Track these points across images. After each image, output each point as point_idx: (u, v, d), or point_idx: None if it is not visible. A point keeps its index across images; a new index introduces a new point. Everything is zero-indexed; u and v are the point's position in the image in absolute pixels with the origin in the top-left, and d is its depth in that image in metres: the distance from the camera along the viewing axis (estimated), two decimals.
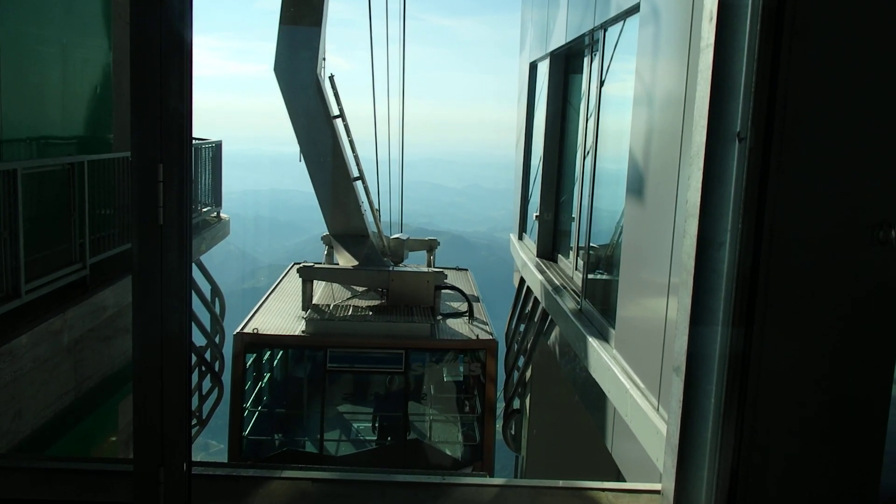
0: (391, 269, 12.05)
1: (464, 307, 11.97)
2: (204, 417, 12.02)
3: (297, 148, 11.84)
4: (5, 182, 6.55)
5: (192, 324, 3.55)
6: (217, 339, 12.60)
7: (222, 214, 13.55)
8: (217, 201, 13.31)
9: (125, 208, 8.98)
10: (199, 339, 11.95)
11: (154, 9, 2.70)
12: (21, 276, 6.64)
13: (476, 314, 11.82)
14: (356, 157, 12.35)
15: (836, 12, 2.79)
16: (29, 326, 6.61)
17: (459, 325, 11.43)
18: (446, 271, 12.52)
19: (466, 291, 12.25)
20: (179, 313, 2.80)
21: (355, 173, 12.26)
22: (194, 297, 7.19)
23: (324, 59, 11.64)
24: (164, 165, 2.71)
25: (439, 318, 11.51)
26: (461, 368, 11.57)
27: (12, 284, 6.61)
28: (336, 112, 11.74)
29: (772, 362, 2.86)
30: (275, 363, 11.78)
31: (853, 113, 2.83)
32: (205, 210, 12.52)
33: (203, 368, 12.06)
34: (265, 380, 11.50)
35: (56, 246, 7.70)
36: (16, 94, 7.96)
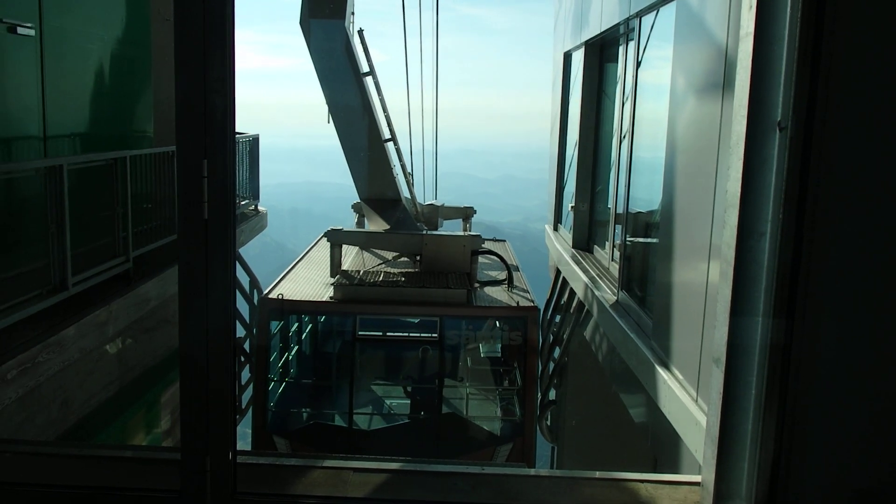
0: (425, 232, 11.36)
1: (502, 276, 11.26)
2: (243, 407, 12.20)
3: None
4: (52, 177, 6.72)
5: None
6: (255, 331, 12.71)
7: (260, 207, 13.73)
8: (255, 194, 13.49)
9: (166, 202, 9.16)
10: (238, 330, 12.05)
11: (197, 5, 2.75)
12: (68, 269, 6.82)
13: (516, 283, 11.10)
14: (388, 118, 11.74)
15: None
16: (76, 318, 6.78)
17: (498, 293, 10.74)
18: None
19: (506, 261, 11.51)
20: (224, 306, 2.86)
21: (387, 134, 11.65)
22: None
23: (352, 13, 11.04)
24: (209, 161, 2.77)
25: (476, 285, 10.82)
26: (500, 338, 10.87)
27: (60, 277, 6.79)
28: (366, 69, 11.09)
29: (813, 354, 2.83)
30: (303, 336, 11.32)
31: None
32: (243, 203, 12.69)
33: (242, 359, 12.22)
34: (293, 350, 11.01)
35: (100, 240, 7.88)
36: (59, 91, 8.15)
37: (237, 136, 12.18)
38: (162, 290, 8.59)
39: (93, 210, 7.85)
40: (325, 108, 11.29)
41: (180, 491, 3.02)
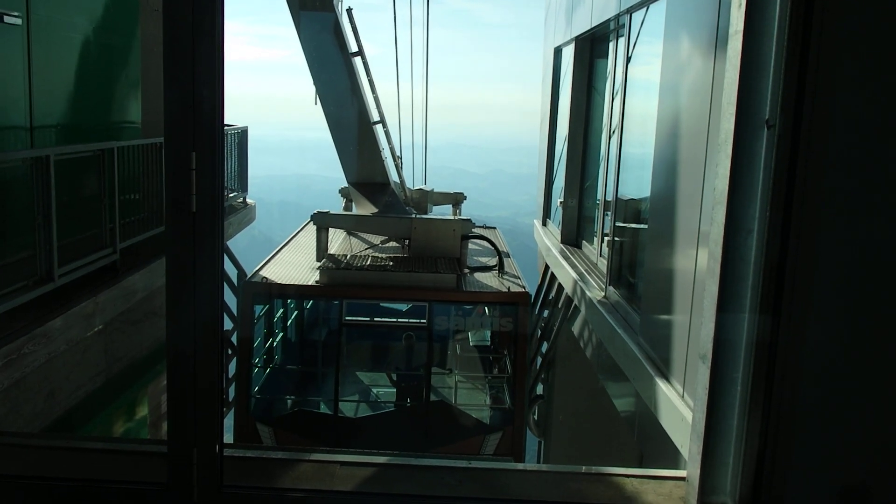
0: (414, 216, 11.14)
1: (493, 263, 11.08)
2: (230, 400, 12.14)
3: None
4: (38, 168, 6.67)
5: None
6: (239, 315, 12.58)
7: (248, 200, 13.67)
8: (243, 187, 13.44)
9: (154, 194, 9.11)
10: (225, 322, 11.95)
11: None
12: (54, 260, 6.78)
13: (507, 269, 10.92)
14: (376, 100, 11.53)
15: None
16: (62, 310, 6.74)
17: (489, 279, 10.51)
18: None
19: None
20: (212, 299, 2.85)
21: (375, 117, 11.46)
22: None
23: None
24: (197, 153, 2.75)
25: (466, 270, 10.61)
26: (490, 324, 10.68)
27: (46, 269, 6.74)
28: (355, 49, 10.90)
29: (799, 350, 2.85)
30: (288, 321, 11.13)
31: (885, 99, 2.80)
32: (231, 196, 12.64)
33: (230, 352, 12.15)
34: (277, 336, 10.78)
35: (87, 231, 7.83)
36: (47, 81, 8.07)
37: (225, 128, 12.10)
38: (149, 282, 8.55)
39: (80, 201, 7.80)
40: (314, 93, 11.11)
41: (167, 484, 3.01)
